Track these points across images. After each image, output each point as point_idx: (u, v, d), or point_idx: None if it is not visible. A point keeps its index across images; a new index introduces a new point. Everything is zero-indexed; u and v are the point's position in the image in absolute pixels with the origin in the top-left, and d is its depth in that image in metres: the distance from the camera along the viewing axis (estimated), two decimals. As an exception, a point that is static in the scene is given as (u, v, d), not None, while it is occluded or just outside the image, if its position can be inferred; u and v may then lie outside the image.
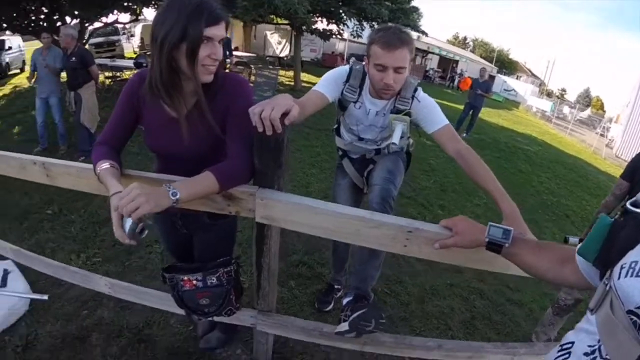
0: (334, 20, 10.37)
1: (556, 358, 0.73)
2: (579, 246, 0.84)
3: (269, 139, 1.17)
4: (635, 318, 0.58)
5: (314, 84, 1.73)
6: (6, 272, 2.40)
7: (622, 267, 0.63)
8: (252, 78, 9.56)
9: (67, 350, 2.05)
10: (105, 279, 1.95)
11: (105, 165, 1.20)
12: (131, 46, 19.15)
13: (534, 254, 0.98)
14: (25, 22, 8.20)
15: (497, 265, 1.19)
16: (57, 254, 2.81)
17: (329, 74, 1.75)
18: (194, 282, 1.46)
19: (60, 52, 4.93)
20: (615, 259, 0.67)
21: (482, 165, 1.43)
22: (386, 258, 3.02)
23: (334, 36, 11.10)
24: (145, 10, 10.00)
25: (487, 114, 14.22)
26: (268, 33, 18.22)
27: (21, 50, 14.14)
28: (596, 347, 0.66)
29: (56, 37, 5.34)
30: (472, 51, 46.11)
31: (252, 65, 11.18)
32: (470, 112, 8.97)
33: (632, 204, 0.71)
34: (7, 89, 10.18)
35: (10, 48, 13.17)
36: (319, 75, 1.84)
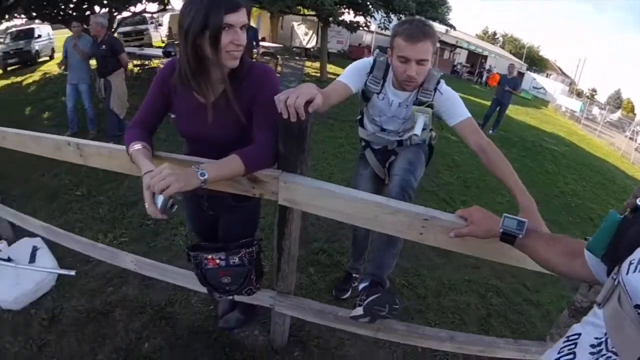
0: (361, 12, 10.27)
1: (562, 348, 0.74)
2: (587, 241, 0.84)
3: (293, 126, 1.22)
4: None
5: (339, 75, 1.76)
6: (35, 249, 2.53)
7: (630, 263, 0.65)
8: (279, 69, 9.63)
9: (91, 325, 2.15)
10: (131, 256, 2.04)
11: (137, 146, 1.27)
12: (159, 35, 19.43)
13: (547, 247, 0.99)
14: (55, 11, 8.44)
15: (512, 257, 1.20)
16: (85, 233, 2.91)
17: (353, 65, 1.78)
18: (217, 261, 1.53)
19: (90, 39, 5.07)
20: (623, 255, 0.68)
21: (502, 160, 1.44)
22: (405, 251, 3.08)
23: (361, 28, 10.99)
24: (172, -1, 10.14)
25: (514, 111, 13.90)
26: (295, 24, 18.19)
27: (50, 39, 14.61)
28: (603, 339, 0.67)
29: (86, 26, 5.49)
30: (502, 47, 44.91)
31: (278, 56, 11.25)
32: (497, 109, 8.78)
33: None
34: (37, 76, 10.52)
35: (39, 36, 13.67)
36: (345, 67, 1.87)
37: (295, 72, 9.37)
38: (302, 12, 11.55)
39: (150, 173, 1.10)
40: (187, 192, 1.12)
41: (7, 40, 13.14)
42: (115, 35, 8.22)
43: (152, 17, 17.26)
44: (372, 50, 20.68)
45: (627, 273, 0.64)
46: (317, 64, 13.17)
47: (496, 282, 3.06)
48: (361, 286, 1.72)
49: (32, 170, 4.14)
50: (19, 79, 10.49)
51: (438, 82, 1.66)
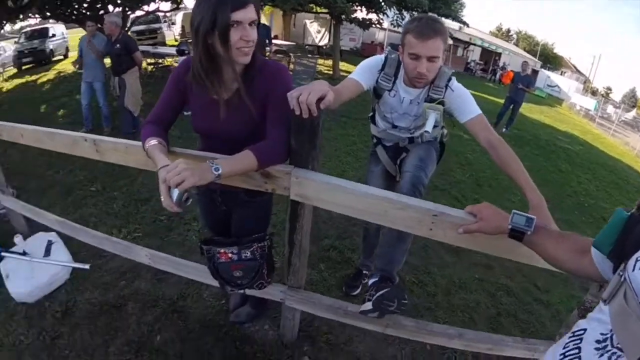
0: (373, 9, 10.20)
1: (567, 343, 0.75)
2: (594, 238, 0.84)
3: (305, 122, 1.24)
4: None
5: (351, 72, 1.78)
6: (50, 243, 2.57)
7: (637, 260, 0.65)
8: (292, 66, 9.64)
9: (104, 317, 2.19)
10: (145, 250, 2.08)
11: (153, 141, 1.30)
12: (172, 34, 19.63)
13: (555, 244, 0.99)
14: (69, 10, 8.56)
15: (520, 254, 1.20)
16: (100, 228, 2.95)
17: (365, 63, 1.79)
18: (230, 255, 1.56)
19: (104, 38, 5.16)
20: (630, 252, 0.69)
21: (512, 157, 1.45)
22: (416, 249, 3.08)
23: (373, 25, 10.94)
24: (185, -2, 10.21)
25: (528, 109, 13.74)
26: (307, 22, 18.18)
27: (64, 38, 14.86)
28: (608, 335, 0.67)
29: (100, 26, 5.56)
30: (516, 44, 44.41)
31: (291, 54, 11.26)
32: (511, 107, 8.69)
33: None
34: (51, 74, 10.71)
35: (54, 35, 13.91)
36: (358, 64, 1.89)
37: (307, 70, 9.40)
38: (314, 10, 11.54)
39: (166, 167, 1.13)
40: (200, 187, 1.15)
41: (22, 40, 13.40)
42: (129, 34, 8.32)
43: (165, 16, 17.39)
44: (384, 47, 20.58)
45: (634, 270, 0.65)
46: (329, 62, 13.12)
47: (506, 281, 3.05)
48: (371, 281, 1.73)
49: (47, 167, 4.23)
50: (33, 77, 10.70)
51: (449, 79, 1.67)
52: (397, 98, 1.79)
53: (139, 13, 10.51)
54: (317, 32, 17.70)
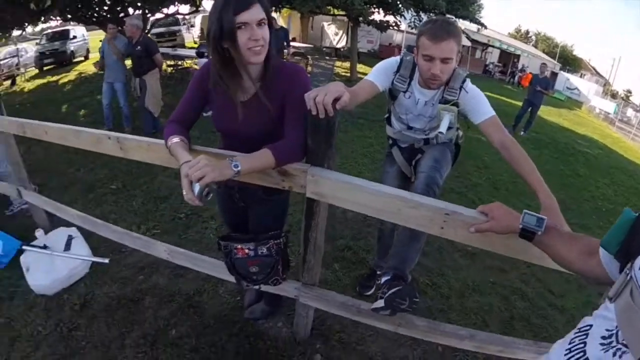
0: (390, 11, 10.22)
1: (573, 339, 0.76)
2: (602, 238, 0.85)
3: (322, 122, 1.28)
4: None
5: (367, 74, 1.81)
6: (70, 238, 2.66)
7: None
8: (309, 68, 9.69)
9: (121, 311, 2.26)
10: (164, 245, 2.14)
11: (176, 139, 1.36)
12: (191, 36, 19.88)
13: (566, 245, 0.99)
14: (89, 13, 8.73)
15: (531, 254, 1.20)
16: (119, 225, 2.99)
17: (381, 64, 1.82)
18: (246, 250, 1.61)
19: (125, 40, 5.28)
20: (636, 252, 0.69)
21: (525, 157, 1.46)
22: (430, 251, 3.08)
23: (391, 27, 10.96)
24: (204, 1, 10.35)
25: (547, 112, 13.52)
26: (325, 24, 18.18)
27: (85, 39, 15.18)
28: (614, 331, 0.68)
29: (120, 28, 5.68)
30: (535, 46, 43.66)
31: (309, 56, 11.31)
32: (529, 110, 8.57)
33: None
34: (72, 75, 10.97)
35: (75, 37, 14.22)
36: (375, 66, 1.92)
37: (325, 72, 9.45)
38: (332, 12, 11.59)
39: (188, 163, 1.19)
40: (220, 183, 1.19)
41: (43, 41, 13.69)
42: (149, 36, 8.47)
43: (184, 19, 17.64)
44: (402, 49, 20.41)
45: None
46: (347, 64, 13.10)
47: (521, 285, 3.02)
48: (383, 279, 1.75)
49: (68, 165, 4.35)
50: (54, 78, 10.97)
51: (464, 81, 1.68)
52: (412, 99, 1.81)
53: (158, 16, 10.66)
54: (334, 35, 17.71)
